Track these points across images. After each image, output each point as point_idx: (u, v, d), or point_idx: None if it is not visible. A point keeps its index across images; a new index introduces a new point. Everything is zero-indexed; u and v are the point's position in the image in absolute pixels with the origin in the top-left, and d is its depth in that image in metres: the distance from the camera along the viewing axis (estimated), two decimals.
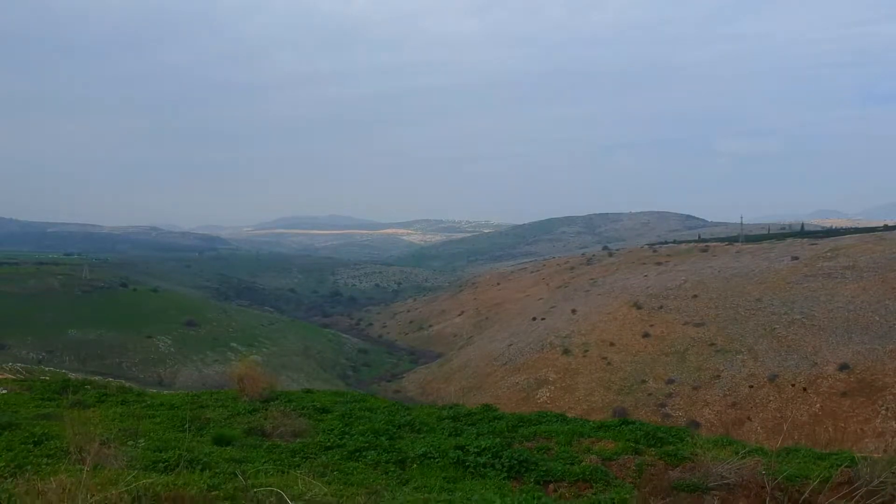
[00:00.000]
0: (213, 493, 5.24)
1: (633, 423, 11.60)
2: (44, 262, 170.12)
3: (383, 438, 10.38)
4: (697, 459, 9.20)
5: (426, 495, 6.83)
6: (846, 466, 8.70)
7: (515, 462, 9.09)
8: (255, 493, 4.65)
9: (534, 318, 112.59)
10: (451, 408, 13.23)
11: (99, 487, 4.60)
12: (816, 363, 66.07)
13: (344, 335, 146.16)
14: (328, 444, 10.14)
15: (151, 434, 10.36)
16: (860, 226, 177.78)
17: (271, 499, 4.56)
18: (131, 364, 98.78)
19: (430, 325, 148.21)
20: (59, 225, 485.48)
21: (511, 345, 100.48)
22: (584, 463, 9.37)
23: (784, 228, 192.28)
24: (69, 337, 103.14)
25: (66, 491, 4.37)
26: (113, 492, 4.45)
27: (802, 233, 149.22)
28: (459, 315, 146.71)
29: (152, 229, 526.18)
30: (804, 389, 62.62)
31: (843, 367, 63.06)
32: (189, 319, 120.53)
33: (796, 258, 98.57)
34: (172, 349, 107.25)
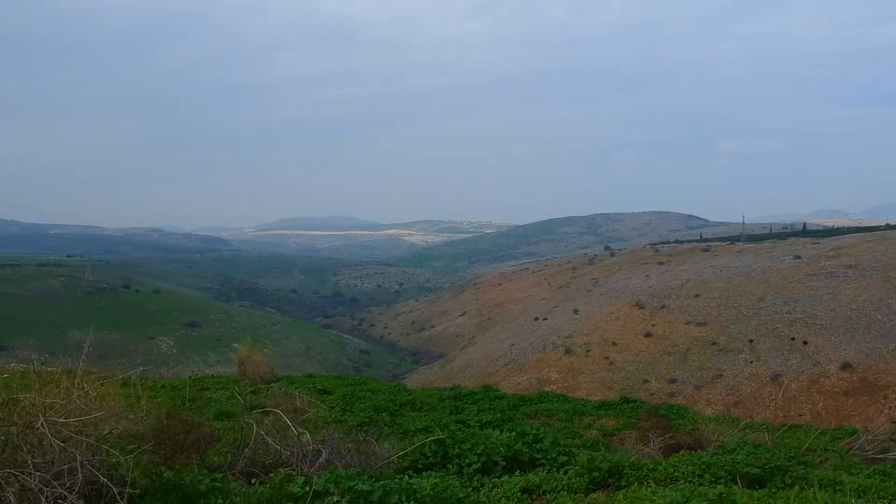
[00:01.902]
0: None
1: (635, 401, 11.62)
2: (46, 263, 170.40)
3: (384, 415, 10.41)
4: (699, 434, 9.21)
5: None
6: (848, 440, 8.70)
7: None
8: (255, 414, 4.68)
9: (536, 318, 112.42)
10: (452, 388, 13.25)
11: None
12: (819, 362, 65.91)
13: (346, 336, 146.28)
14: (330, 419, 10.14)
15: (152, 411, 10.38)
16: (862, 225, 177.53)
17: (270, 419, 4.59)
18: (133, 365, 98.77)
19: (432, 326, 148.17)
20: (62, 227, 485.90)
21: (513, 345, 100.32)
22: (584, 437, 9.39)
23: (786, 228, 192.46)
24: (71, 338, 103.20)
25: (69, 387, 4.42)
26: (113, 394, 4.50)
27: (804, 232, 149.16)
28: (461, 315, 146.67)
29: (154, 231, 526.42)
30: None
31: (846, 366, 62.90)
32: (191, 320, 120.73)
33: (798, 257, 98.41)
34: (175, 350, 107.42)
